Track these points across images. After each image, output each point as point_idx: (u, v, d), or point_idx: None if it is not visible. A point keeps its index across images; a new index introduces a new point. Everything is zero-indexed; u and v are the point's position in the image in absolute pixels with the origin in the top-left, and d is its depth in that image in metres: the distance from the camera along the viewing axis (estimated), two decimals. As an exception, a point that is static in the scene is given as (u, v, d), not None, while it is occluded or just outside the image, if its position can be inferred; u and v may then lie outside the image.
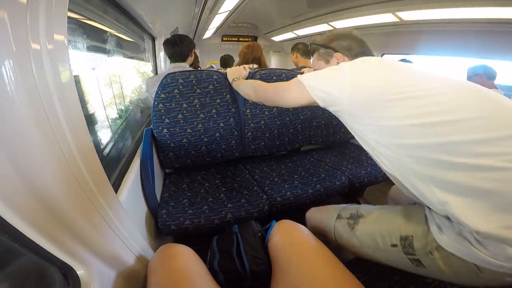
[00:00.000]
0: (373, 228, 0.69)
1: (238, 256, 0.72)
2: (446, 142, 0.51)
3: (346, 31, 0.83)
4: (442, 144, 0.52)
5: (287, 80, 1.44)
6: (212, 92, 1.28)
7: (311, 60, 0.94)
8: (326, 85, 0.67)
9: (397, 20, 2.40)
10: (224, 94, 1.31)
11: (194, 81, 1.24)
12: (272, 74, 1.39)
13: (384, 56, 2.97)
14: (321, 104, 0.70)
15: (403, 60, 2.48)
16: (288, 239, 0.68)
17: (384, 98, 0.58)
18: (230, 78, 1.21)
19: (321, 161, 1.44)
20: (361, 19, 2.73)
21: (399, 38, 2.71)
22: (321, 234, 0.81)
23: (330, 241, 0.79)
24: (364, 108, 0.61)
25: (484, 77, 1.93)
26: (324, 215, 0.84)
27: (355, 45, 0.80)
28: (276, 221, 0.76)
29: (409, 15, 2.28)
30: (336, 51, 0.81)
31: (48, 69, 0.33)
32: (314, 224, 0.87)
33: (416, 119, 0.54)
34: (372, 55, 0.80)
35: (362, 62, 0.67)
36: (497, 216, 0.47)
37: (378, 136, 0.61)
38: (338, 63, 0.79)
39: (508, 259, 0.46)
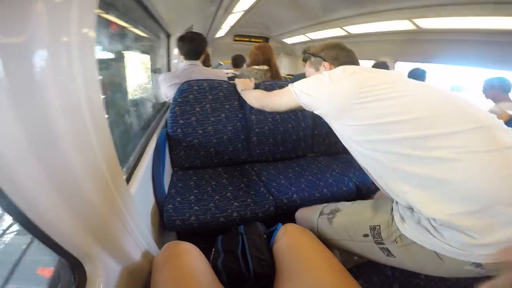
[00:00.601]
0: (346, 221, 0.76)
1: (242, 257, 0.73)
2: (405, 137, 0.58)
3: (335, 42, 0.92)
4: (402, 139, 0.58)
5: None
6: (222, 98, 1.40)
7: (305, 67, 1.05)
8: (310, 91, 0.77)
9: (414, 27, 2.36)
10: (233, 101, 1.42)
11: (207, 88, 1.37)
12: (274, 85, 1.49)
13: (397, 63, 2.93)
14: (307, 108, 0.80)
15: (416, 69, 2.45)
16: (294, 242, 0.68)
17: (354, 101, 0.66)
18: (238, 89, 1.36)
19: (329, 167, 1.43)
20: (376, 25, 2.70)
21: (414, 45, 2.67)
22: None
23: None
24: (339, 111, 0.69)
25: (499, 90, 1.90)
26: (310, 213, 0.91)
27: (342, 55, 0.89)
28: (282, 224, 0.77)
29: (426, 23, 2.24)
30: (324, 60, 0.90)
31: (76, 61, 0.34)
32: (301, 222, 0.93)
33: (381, 118, 0.62)
34: (357, 64, 0.88)
35: (340, 70, 0.74)
36: (449, 204, 0.53)
37: (352, 134, 0.69)
38: (325, 70, 0.87)
39: (462, 245, 0.51)
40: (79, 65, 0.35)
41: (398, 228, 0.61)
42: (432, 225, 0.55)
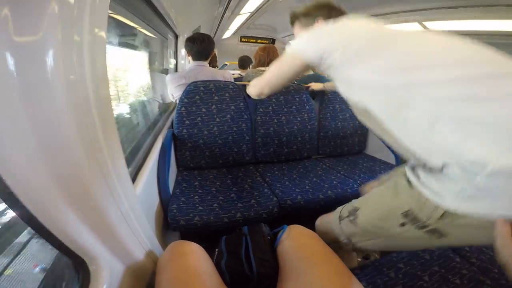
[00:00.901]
0: (372, 217, 0.67)
1: (246, 258, 0.72)
2: (471, 75, 0.47)
3: (326, 1, 0.88)
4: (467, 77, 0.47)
5: (294, 92, 1.52)
6: (228, 99, 1.41)
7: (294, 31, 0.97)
8: (316, 40, 0.66)
9: (423, 30, 2.34)
10: (238, 102, 1.43)
11: (213, 89, 1.38)
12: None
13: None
14: (315, 62, 0.67)
15: None
16: (298, 244, 0.68)
17: (388, 32, 0.58)
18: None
19: (333, 168, 1.42)
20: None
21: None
22: (333, 241, 0.80)
23: (343, 246, 0.78)
24: (370, 46, 0.58)
25: None
26: (328, 223, 0.83)
27: (334, 12, 0.85)
28: (287, 225, 0.76)
29: (436, 25, 2.21)
30: (317, 17, 0.85)
31: (87, 60, 0.35)
32: (322, 231, 0.86)
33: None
34: None
35: (347, 18, 0.68)
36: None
37: (382, 78, 0.55)
38: None
39: None
40: (90, 64, 0.35)
41: (432, 202, 0.52)
42: (476, 186, 0.44)
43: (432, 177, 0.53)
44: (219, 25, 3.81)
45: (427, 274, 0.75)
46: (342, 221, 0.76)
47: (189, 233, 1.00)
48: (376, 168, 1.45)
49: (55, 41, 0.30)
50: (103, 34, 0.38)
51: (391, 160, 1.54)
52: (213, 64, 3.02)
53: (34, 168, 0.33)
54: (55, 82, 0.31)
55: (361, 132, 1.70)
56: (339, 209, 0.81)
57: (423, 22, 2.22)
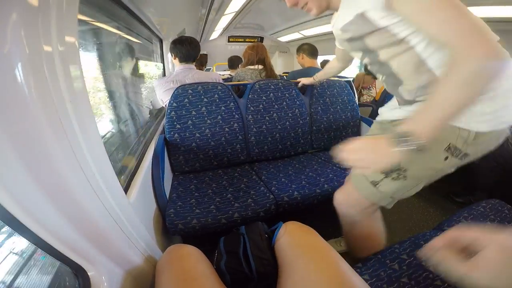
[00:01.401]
0: (422, 167, 0.71)
1: (244, 257, 0.72)
2: None
3: None
4: None
5: (283, 89, 1.53)
6: (217, 100, 1.40)
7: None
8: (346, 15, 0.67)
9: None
10: (228, 102, 1.41)
11: (201, 91, 1.37)
12: (269, 84, 1.51)
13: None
14: (357, 31, 0.66)
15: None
16: (295, 240, 0.68)
17: None
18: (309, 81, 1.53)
19: (329, 162, 1.43)
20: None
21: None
22: (364, 210, 0.84)
23: (374, 210, 0.86)
24: None
25: None
26: (355, 193, 0.83)
27: None
28: (283, 222, 0.76)
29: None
30: None
31: (60, 71, 0.34)
32: (350, 204, 0.86)
33: None
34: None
35: None
36: None
37: None
38: None
39: None
40: (64, 75, 0.35)
41: (469, 130, 0.62)
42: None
43: None
44: (204, 26, 3.79)
45: None
46: (379, 184, 0.76)
47: (189, 237, 0.99)
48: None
49: (23, 54, 0.29)
50: (75, 41, 0.37)
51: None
52: (203, 64, 3.02)
53: (20, 184, 0.33)
54: (28, 96, 0.30)
55: (354, 123, 1.71)
56: (360, 178, 0.81)
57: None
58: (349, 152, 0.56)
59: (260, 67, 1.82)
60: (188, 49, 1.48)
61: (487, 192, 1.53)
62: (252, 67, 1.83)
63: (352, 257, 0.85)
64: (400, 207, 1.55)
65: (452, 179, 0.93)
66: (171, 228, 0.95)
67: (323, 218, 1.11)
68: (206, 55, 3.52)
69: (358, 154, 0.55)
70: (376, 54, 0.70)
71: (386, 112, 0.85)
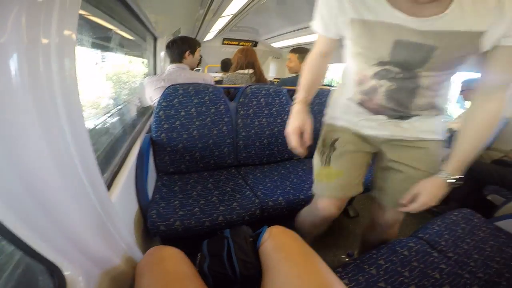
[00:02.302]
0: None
1: (228, 260, 0.72)
2: None
3: None
4: None
5: (274, 95, 1.54)
6: (207, 102, 1.38)
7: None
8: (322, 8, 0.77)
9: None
10: (218, 104, 1.40)
11: (192, 92, 1.36)
12: (261, 89, 1.52)
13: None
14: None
15: None
16: (279, 244, 0.69)
17: None
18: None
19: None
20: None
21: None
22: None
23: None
24: None
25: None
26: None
27: None
28: (268, 227, 0.77)
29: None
30: None
31: (54, 64, 0.33)
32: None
33: None
34: None
35: None
36: None
37: None
38: None
39: None
40: (58, 68, 0.34)
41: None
42: None
43: None
44: (200, 27, 3.78)
45: (407, 270, 0.78)
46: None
47: (170, 239, 0.98)
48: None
49: (21, 44, 0.28)
50: (73, 36, 0.37)
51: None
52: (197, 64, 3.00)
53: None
54: (21, 87, 0.30)
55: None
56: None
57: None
58: (421, 207, 0.74)
59: (251, 71, 1.82)
60: (170, 50, 1.49)
61: (460, 202, 1.61)
62: (242, 71, 1.83)
63: (333, 262, 0.88)
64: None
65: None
66: (153, 229, 0.93)
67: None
68: (201, 56, 3.52)
69: (426, 205, 0.74)
70: (426, 68, 0.64)
71: (366, 128, 0.87)
